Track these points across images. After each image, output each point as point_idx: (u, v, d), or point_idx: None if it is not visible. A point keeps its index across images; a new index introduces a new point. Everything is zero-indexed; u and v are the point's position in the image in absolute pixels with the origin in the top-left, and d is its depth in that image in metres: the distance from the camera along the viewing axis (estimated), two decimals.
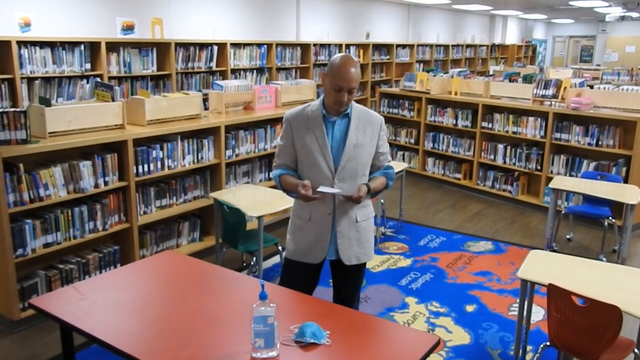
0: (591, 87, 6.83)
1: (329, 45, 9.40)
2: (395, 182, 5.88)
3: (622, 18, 14.83)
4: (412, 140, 7.60)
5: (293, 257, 2.72)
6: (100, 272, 3.89)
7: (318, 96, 9.00)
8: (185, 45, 6.83)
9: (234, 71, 7.57)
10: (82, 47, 5.75)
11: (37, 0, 5.85)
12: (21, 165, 3.34)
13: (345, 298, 2.77)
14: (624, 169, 5.40)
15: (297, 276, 2.71)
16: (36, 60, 5.38)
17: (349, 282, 2.79)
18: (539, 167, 6.12)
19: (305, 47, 8.91)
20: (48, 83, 5.55)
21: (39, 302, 2.32)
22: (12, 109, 3.34)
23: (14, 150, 3.26)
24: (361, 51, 10.14)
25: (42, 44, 5.43)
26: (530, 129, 6.16)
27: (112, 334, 2.06)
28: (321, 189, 2.49)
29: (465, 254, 4.92)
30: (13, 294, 3.42)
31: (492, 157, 6.62)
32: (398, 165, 5.50)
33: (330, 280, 2.87)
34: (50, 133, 3.56)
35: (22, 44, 5.25)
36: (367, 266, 4.59)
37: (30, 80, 5.38)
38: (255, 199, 4.23)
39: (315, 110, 2.60)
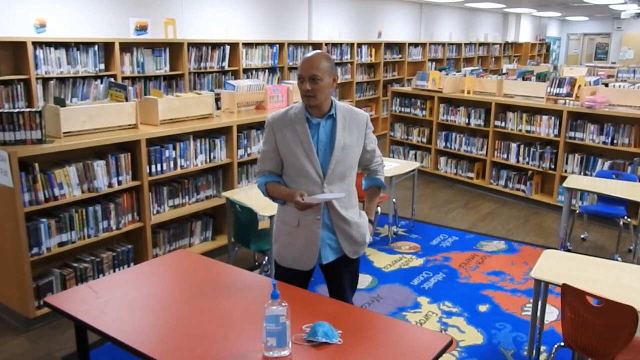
0: (606, 85, 6.75)
1: (341, 44, 9.40)
2: (407, 181, 5.84)
3: (638, 15, 14.64)
4: (425, 140, 7.57)
5: (284, 264, 2.61)
6: (114, 271, 3.92)
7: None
8: (197, 46, 6.87)
9: (246, 71, 7.60)
10: (96, 47, 5.80)
11: (52, 2, 5.92)
12: (37, 165, 3.38)
13: (341, 296, 2.66)
14: None
15: (289, 282, 2.55)
16: (51, 61, 5.44)
17: (342, 279, 2.67)
18: (553, 167, 6.06)
19: (317, 47, 8.91)
20: (63, 83, 5.61)
21: (54, 301, 2.35)
22: (28, 110, 3.38)
23: (29, 150, 3.30)
24: (373, 50, 10.12)
25: (57, 45, 5.49)
26: (544, 128, 6.10)
27: (126, 332, 2.08)
28: (310, 199, 2.36)
29: (478, 254, 4.89)
30: (29, 293, 3.46)
31: (505, 156, 6.57)
32: (410, 165, 5.49)
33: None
34: (65, 133, 3.60)
35: (37, 45, 5.31)
36: (379, 266, 4.63)
37: (46, 81, 5.44)
38: (267, 199, 4.22)
39: (299, 113, 2.45)
